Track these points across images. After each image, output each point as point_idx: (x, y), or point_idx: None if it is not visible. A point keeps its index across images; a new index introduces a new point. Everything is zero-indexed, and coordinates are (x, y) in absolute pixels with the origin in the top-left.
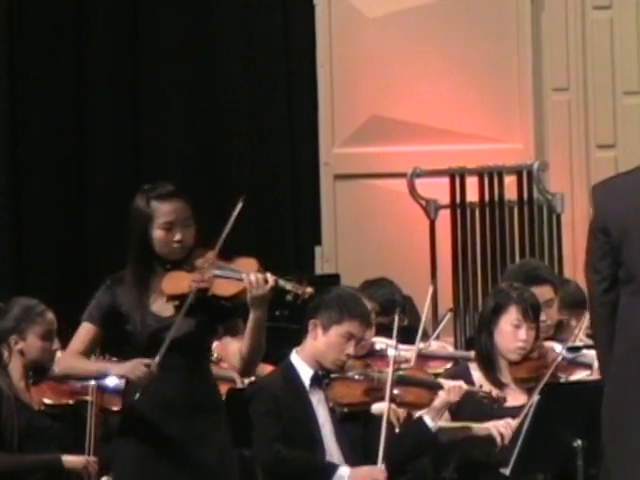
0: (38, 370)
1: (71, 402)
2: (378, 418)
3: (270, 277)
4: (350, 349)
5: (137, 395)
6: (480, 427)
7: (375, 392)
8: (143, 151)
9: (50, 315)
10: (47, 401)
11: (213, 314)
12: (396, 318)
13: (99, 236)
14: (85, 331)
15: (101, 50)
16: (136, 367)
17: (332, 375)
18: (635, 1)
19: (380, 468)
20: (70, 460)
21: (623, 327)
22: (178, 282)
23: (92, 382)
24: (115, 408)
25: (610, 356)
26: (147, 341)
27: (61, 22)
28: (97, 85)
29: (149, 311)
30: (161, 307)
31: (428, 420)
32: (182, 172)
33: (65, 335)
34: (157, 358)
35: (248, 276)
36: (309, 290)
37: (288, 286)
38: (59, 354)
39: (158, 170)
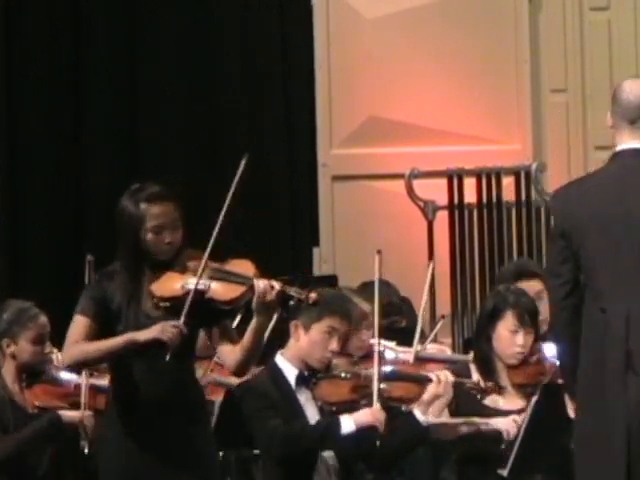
0: (31, 373)
1: (64, 405)
2: None
3: (276, 283)
4: (334, 345)
5: (168, 356)
6: (485, 422)
7: (363, 389)
8: (142, 151)
9: (43, 319)
10: (40, 404)
11: (207, 317)
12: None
13: (97, 237)
14: (81, 324)
15: (100, 50)
16: (165, 328)
17: (319, 375)
18: (633, 2)
19: (378, 407)
20: (67, 414)
21: (587, 336)
22: (169, 284)
23: (84, 382)
24: None
25: (571, 361)
26: None
27: (60, 22)
28: (96, 85)
29: (141, 310)
30: (152, 307)
31: (418, 414)
32: (181, 172)
33: (61, 337)
34: (182, 319)
35: (257, 283)
36: (313, 295)
37: (291, 291)
38: (59, 356)
39: (157, 170)
